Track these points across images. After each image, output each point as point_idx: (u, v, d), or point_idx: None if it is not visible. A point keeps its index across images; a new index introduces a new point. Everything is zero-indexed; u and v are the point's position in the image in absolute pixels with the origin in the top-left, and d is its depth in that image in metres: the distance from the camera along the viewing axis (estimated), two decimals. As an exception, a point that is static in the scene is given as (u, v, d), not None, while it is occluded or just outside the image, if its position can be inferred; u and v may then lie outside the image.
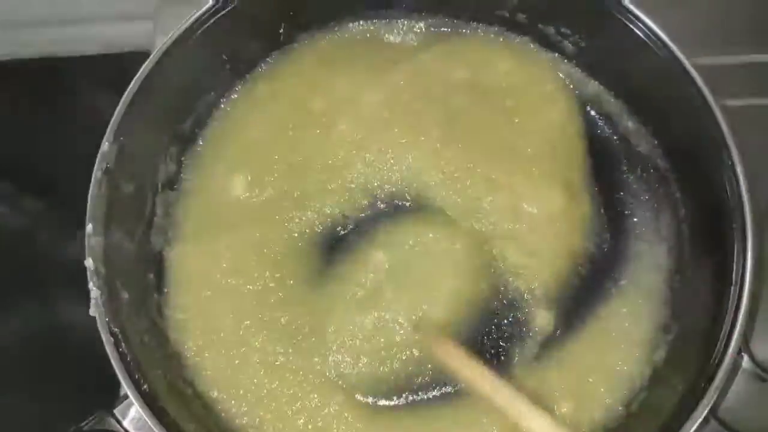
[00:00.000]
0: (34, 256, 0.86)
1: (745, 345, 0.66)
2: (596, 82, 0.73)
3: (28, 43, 1.00)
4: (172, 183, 0.69)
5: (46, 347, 0.81)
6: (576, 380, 0.61)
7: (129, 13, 0.98)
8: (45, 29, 1.01)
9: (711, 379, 0.52)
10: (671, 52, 0.63)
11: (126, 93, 0.60)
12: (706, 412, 0.51)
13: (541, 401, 0.57)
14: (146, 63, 0.61)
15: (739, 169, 0.59)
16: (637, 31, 0.64)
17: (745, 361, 0.65)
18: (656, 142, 0.69)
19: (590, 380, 0.62)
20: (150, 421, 0.49)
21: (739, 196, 0.58)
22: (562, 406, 0.61)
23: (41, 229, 0.88)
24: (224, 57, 0.70)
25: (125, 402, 0.51)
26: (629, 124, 0.72)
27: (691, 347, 0.58)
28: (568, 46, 0.72)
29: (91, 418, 0.51)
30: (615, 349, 0.63)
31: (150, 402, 0.51)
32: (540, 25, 0.72)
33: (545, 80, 0.73)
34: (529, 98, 0.72)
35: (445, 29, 0.76)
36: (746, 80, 0.76)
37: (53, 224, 0.89)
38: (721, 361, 0.53)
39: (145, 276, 0.64)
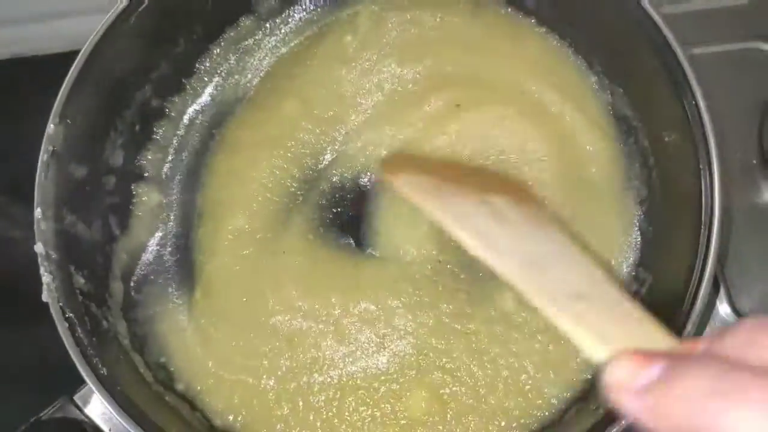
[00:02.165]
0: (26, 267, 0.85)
1: (730, 301, 0.66)
2: (556, 39, 0.72)
3: None
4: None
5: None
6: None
7: (96, 7, 0.96)
8: (9, 28, 0.98)
9: (685, 323, 0.51)
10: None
11: (69, 73, 0.58)
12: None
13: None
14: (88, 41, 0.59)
15: (704, 113, 0.57)
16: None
17: (730, 315, 0.65)
18: (622, 91, 0.68)
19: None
20: (109, 406, 0.48)
21: (704, 135, 0.57)
22: None
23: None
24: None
25: (86, 388, 0.49)
26: (593, 79, 0.70)
27: (666, 295, 0.57)
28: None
29: (51, 407, 0.49)
30: None
31: (109, 387, 0.49)
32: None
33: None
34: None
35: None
36: (709, 27, 0.75)
37: None
38: (693, 304, 0.51)
39: (107, 262, 0.62)
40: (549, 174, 0.66)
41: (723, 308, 0.66)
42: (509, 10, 0.71)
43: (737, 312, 0.65)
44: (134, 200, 0.66)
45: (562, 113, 0.68)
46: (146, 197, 0.67)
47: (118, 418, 0.47)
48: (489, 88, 0.68)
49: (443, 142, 0.67)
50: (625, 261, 0.64)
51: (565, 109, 0.68)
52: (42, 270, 0.52)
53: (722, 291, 0.66)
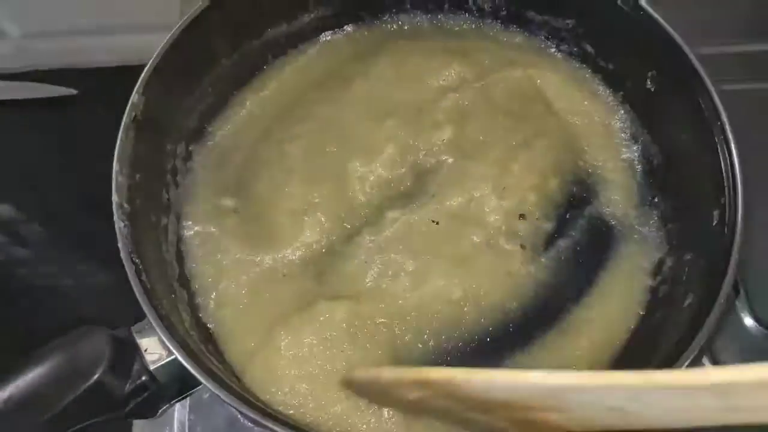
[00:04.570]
0: (31, 290, 0.89)
1: (753, 313, 0.71)
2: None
3: (47, 54, 1.03)
4: (198, 138, 0.74)
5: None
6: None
7: (151, 24, 1.02)
8: (63, 39, 1.04)
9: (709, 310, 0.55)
10: (673, 40, 0.66)
11: (157, 50, 0.65)
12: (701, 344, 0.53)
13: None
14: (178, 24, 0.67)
15: (734, 150, 0.61)
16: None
17: (754, 327, 0.70)
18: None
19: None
20: (164, 337, 0.52)
21: (733, 176, 0.61)
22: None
23: (42, 263, 0.92)
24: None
25: (143, 322, 0.54)
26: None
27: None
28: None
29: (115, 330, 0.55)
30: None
31: (166, 323, 0.54)
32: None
33: None
34: None
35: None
36: (740, 68, 0.80)
37: (52, 256, 0.92)
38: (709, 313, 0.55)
39: (165, 224, 0.67)
40: None
41: (748, 320, 0.70)
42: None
43: (762, 324, 0.70)
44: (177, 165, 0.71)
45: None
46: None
47: (170, 346, 0.52)
48: None
49: None
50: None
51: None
52: (116, 217, 0.58)
53: (745, 304, 0.70)
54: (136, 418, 0.61)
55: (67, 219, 0.94)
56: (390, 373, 0.50)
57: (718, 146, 0.62)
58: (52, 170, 0.96)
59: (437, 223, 0.67)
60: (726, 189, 0.60)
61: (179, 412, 0.70)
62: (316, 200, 0.69)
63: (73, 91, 1.00)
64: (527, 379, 0.39)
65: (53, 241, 0.95)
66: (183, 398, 0.58)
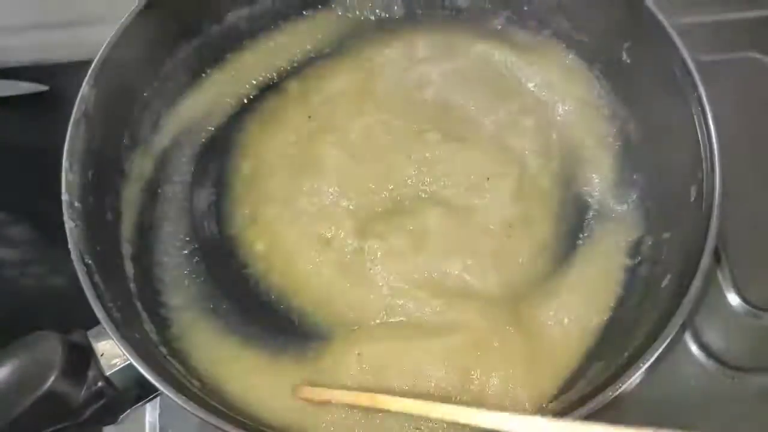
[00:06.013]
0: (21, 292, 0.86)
1: (737, 290, 0.69)
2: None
3: (15, 50, 1.01)
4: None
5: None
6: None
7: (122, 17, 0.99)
8: (33, 34, 1.01)
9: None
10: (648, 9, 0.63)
11: (108, 38, 0.62)
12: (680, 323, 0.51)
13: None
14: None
15: (710, 121, 0.59)
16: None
17: (739, 305, 0.69)
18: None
19: None
20: (121, 346, 0.50)
21: (710, 148, 0.58)
22: None
23: (31, 264, 0.89)
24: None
25: (98, 327, 0.52)
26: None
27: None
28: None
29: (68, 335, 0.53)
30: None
31: (119, 327, 0.51)
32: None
33: None
34: None
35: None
36: (717, 38, 0.78)
37: (43, 258, 0.89)
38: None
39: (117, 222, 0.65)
40: None
41: (732, 297, 0.69)
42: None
43: (746, 301, 0.69)
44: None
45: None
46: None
47: (123, 350, 0.50)
48: None
49: None
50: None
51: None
52: (65, 216, 0.55)
53: (729, 281, 0.70)
54: (96, 425, 0.59)
55: (52, 219, 0.92)
56: (342, 397, 0.54)
57: (695, 118, 0.60)
58: (32, 169, 0.94)
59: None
60: (703, 162, 0.58)
61: (150, 414, 0.68)
62: None
63: (44, 87, 0.97)
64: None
65: (42, 242, 0.93)
66: (144, 404, 0.56)
